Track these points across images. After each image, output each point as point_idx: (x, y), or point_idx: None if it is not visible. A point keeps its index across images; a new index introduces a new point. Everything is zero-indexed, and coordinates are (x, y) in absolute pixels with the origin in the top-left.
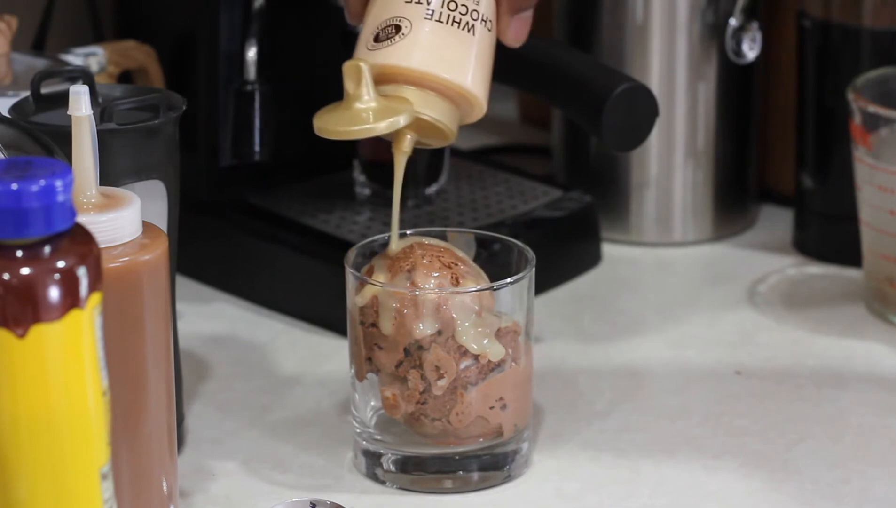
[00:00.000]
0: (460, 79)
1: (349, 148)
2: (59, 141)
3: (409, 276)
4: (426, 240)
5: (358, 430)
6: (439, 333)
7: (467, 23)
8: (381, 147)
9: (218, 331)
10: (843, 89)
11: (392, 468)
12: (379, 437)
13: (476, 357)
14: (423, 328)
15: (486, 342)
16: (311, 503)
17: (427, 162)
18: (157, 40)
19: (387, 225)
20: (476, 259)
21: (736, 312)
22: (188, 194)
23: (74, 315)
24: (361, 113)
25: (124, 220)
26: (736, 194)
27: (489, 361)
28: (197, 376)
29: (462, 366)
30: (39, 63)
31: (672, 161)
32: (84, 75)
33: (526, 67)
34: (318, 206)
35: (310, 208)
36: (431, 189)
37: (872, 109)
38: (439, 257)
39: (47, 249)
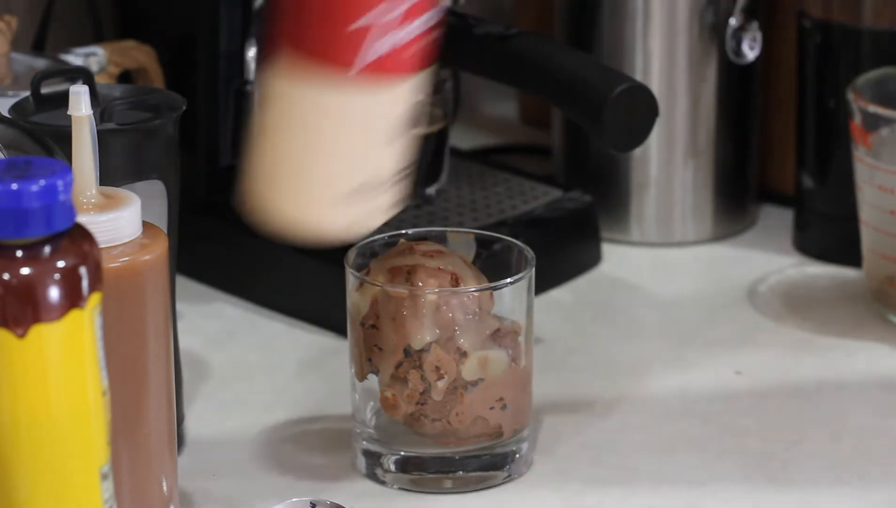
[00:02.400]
0: None
1: None
2: (59, 141)
3: (408, 277)
4: (425, 242)
5: (358, 430)
6: (439, 333)
7: None
8: None
9: (218, 331)
10: (843, 89)
11: (392, 468)
12: (379, 437)
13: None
14: (423, 329)
15: (483, 349)
16: (311, 503)
17: (427, 162)
18: (157, 40)
19: (386, 225)
20: (476, 259)
21: (736, 312)
22: (188, 194)
23: (74, 315)
24: None
25: (124, 220)
26: (736, 194)
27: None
28: (197, 376)
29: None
30: (39, 63)
31: (672, 161)
32: (84, 75)
33: (526, 67)
34: None
35: None
36: (431, 189)
37: (872, 109)
38: (438, 259)
39: (47, 249)
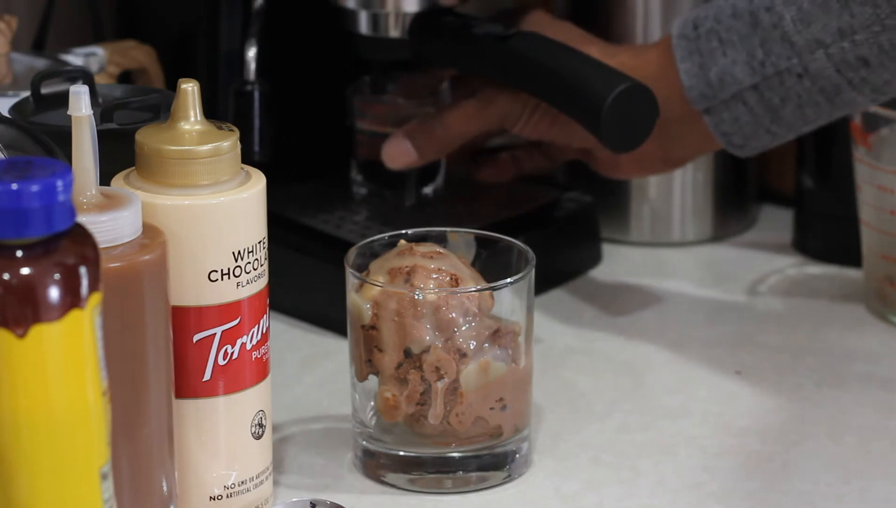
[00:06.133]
0: None
1: (348, 148)
2: (59, 141)
3: (408, 278)
4: (425, 243)
5: (358, 430)
6: (439, 334)
7: None
8: (378, 147)
9: None
10: None
11: (392, 468)
12: (379, 437)
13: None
14: (423, 330)
15: (483, 353)
16: (311, 503)
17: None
18: (157, 40)
19: (386, 225)
20: (476, 259)
21: (736, 312)
22: None
23: (74, 315)
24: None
25: (124, 220)
26: (736, 194)
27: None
28: None
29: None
30: (39, 63)
31: None
32: (84, 75)
33: (526, 67)
34: (318, 206)
35: (310, 208)
36: (428, 189)
37: (872, 109)
38: (438, 260)
39: (47, 249)
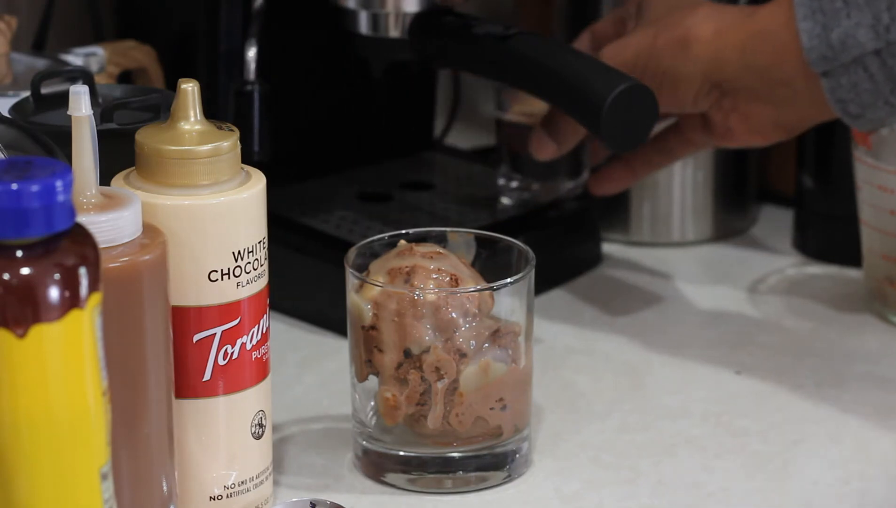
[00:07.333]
0: None
1: (350, 147)
2: (59, 141)
3: (408, 278)
4: (425, 243)
5: (358, 430)
6: (439, 334)
7: None
8: (523, 139)
9: None
10: None
11: (392, 467)
12: (379, 437)
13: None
14: (423, 330)
15: (483, 353)
16: (311, 503)
17: (568, 158)
18: (157, 40)
19: (387, 226)
20: (476, 259)
21: (736, 312)
22: None
23: (74, 315)
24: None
25: (124, 220)
26: (736, 194)
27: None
28: None
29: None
30: (39, 63)
31: None
32: (84, 75)
33: (526, 67)
34: (318, 206)
35: (310, 208)
36: (571, 184)
37: None
38: (438, 260)
39: (47, 249)
